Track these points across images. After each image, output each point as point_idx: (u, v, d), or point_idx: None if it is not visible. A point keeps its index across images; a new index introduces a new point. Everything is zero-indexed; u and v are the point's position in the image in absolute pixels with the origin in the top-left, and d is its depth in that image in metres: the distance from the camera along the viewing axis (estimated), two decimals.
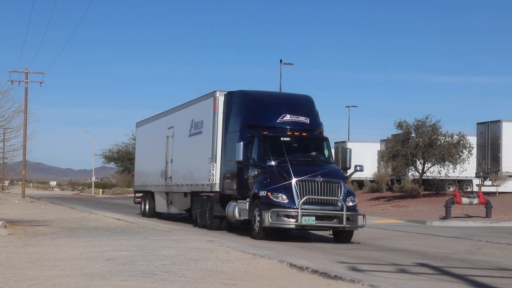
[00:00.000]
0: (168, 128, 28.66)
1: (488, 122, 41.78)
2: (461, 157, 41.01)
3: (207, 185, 22.99)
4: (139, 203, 33.81)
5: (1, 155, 35.41)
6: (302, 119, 21.32)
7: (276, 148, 20.03)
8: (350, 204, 18.99)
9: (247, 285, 10.01)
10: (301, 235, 21.59)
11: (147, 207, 32.05)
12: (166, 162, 28.34)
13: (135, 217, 31.18)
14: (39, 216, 30.14)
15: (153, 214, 31.34)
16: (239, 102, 22.05)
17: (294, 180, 18.66)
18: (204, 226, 23.36)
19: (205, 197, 23.51)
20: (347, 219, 18.66)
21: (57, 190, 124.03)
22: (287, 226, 18.68)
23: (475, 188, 42.52)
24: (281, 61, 55.61)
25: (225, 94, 22.74)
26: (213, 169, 22.69)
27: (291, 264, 11.95)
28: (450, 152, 40.73)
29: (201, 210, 23.69)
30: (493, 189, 39.70)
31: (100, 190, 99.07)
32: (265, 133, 20.44)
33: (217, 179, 22.59)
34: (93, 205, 48.71)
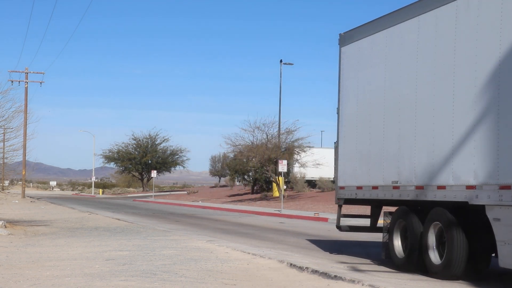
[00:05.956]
0: None
1: None
2: None
3: None
4: (371, 230, 15.20)
5: (1, 155, 35.44)
6: None
7: None
8: None
9: (247, 285, 10.00)
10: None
11: (433, 253, 11.92)
12: None
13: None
14: (39, 216, 30.15)
15: (462, 270, 11.29)
16: None
17: None
18: None
19: None
20: None
21: (57, 190, 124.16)
22: None
23: None
24: (281, 61, 55.69)
25: None
26: None
27: (291, 264, 11.93)
28: None
29: None
30: None
31: (100, 190, 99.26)
32: None
33: None
34: (93, 205, 48.74)
